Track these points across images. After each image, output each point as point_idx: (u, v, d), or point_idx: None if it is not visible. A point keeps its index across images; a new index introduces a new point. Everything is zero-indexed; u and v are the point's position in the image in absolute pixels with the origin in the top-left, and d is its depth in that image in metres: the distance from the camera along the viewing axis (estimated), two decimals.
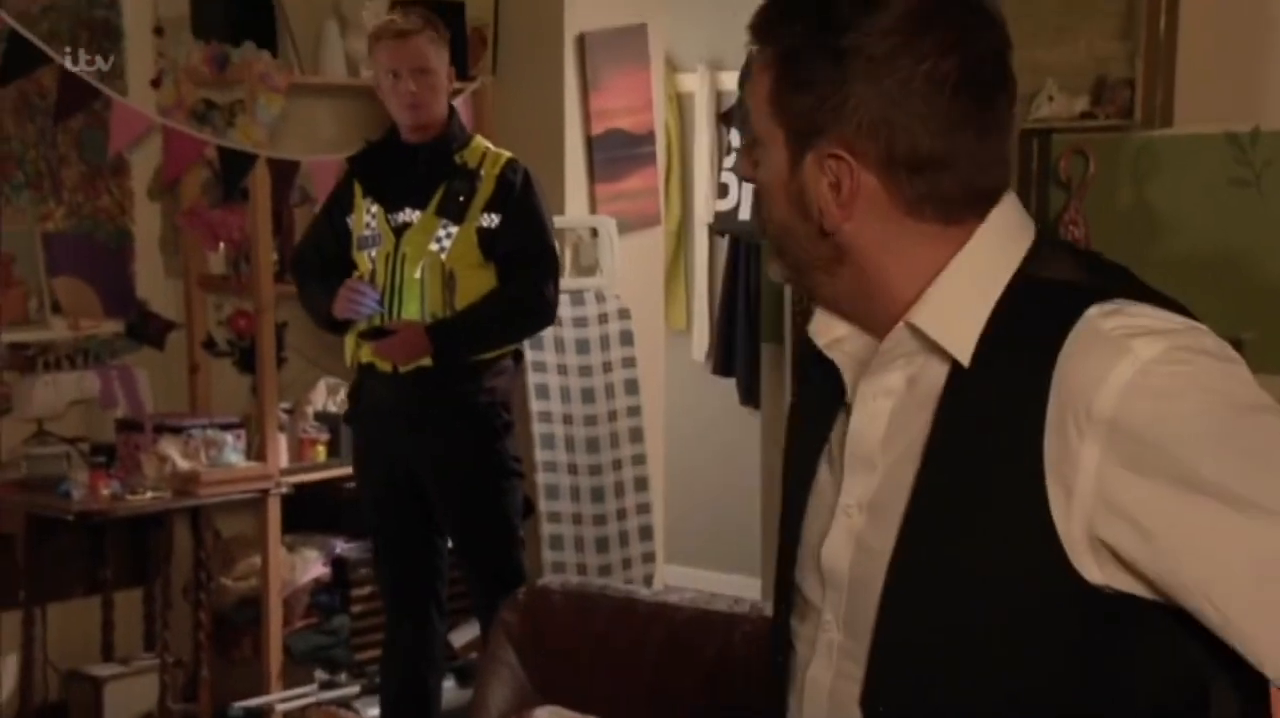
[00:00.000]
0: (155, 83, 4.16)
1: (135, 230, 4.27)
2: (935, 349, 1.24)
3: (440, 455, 3.55)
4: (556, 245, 3.66)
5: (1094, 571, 1.18)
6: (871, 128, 1.20)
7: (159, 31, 4.20)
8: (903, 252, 1.24)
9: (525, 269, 3.54)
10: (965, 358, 1.22)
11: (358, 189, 3.61)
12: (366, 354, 3.56)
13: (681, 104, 5.80)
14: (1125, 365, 1.15)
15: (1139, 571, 1.17)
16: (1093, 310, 1.19)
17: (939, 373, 1.24)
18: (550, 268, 3.58)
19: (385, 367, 3.53)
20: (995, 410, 1.20)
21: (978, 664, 1.21)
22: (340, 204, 3.64)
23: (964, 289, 1.24)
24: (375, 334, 3.48)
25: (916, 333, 1.25)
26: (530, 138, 4.59)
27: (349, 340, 3.63)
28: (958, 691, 1.22)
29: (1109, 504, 1.16)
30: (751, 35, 1.26)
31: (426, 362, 3.48)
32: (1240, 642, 1.16)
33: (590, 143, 4.71)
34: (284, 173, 4.16)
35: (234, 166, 4.09)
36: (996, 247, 1.25)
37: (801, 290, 1.37)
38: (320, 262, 3.65)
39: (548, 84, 4.66)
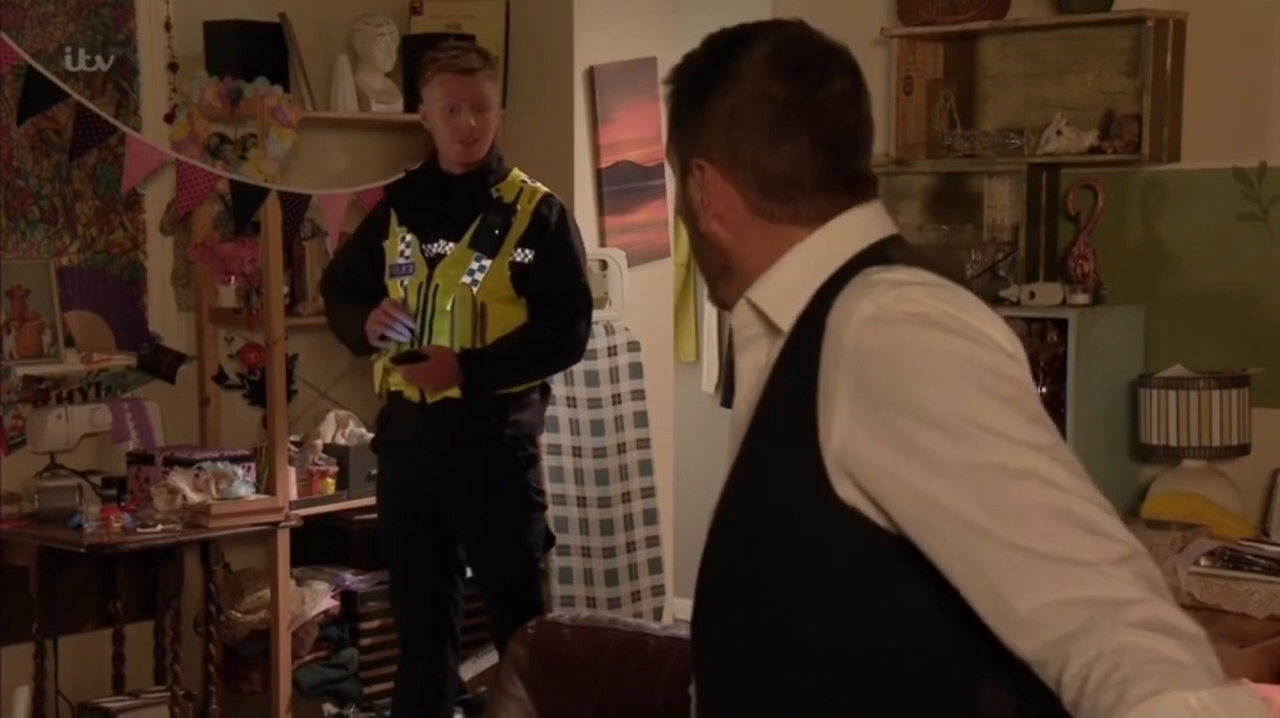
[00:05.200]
0: (169, 118, 4.19)
1: (148, 264, 4.29)
2: (776, 327, 1.42)
3: (464, 488, 3.54)
4: (589, 282, 3.66)
5: (849, 492, 1.32)
6: (720, 142, 1.42)
7: (173, 67, 4.24)
8: (763, 250, 1.44)
9: (558, 306, 3.53)
10: (784, 325, 1.41)
11: (394, 216, 3.63)
12: (396, 382, 3.57)
13: None
14: (867, 303, 1.32)
15: (871, 494, 1.31)
16: (870, 269, 1.37)
17: (779, 347, 1.42)
18: (583, 305, 3.58)
19: (413, 396, 3.53)
20: (795, 362, 1.38)
21: (762, 589, 1.38)
22: (377, 229, 3.66)
23: (794, 271, 1.42)
24: (408, 359, 3.48)
25: (756, 309, 1.44)
26: (540, 170, 4.59)
27: (378, 368, 3.63)
28: (751, 616, 1.39)
29: (855, 426, 1.30)
30: (665, 80, 1.50)
31: (453, 393, 3.49)
32: (946, 574, 1.27)
33: (600, 175, 4.74)
34: (295, 207, 4.19)
35: (246, 200, 4.12)
36: (835, 239, 1.42)
37: (721, 306, 1.55)
38: (351, 282, 3.66)
39: (557, 117, 4.69)
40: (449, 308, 3.50)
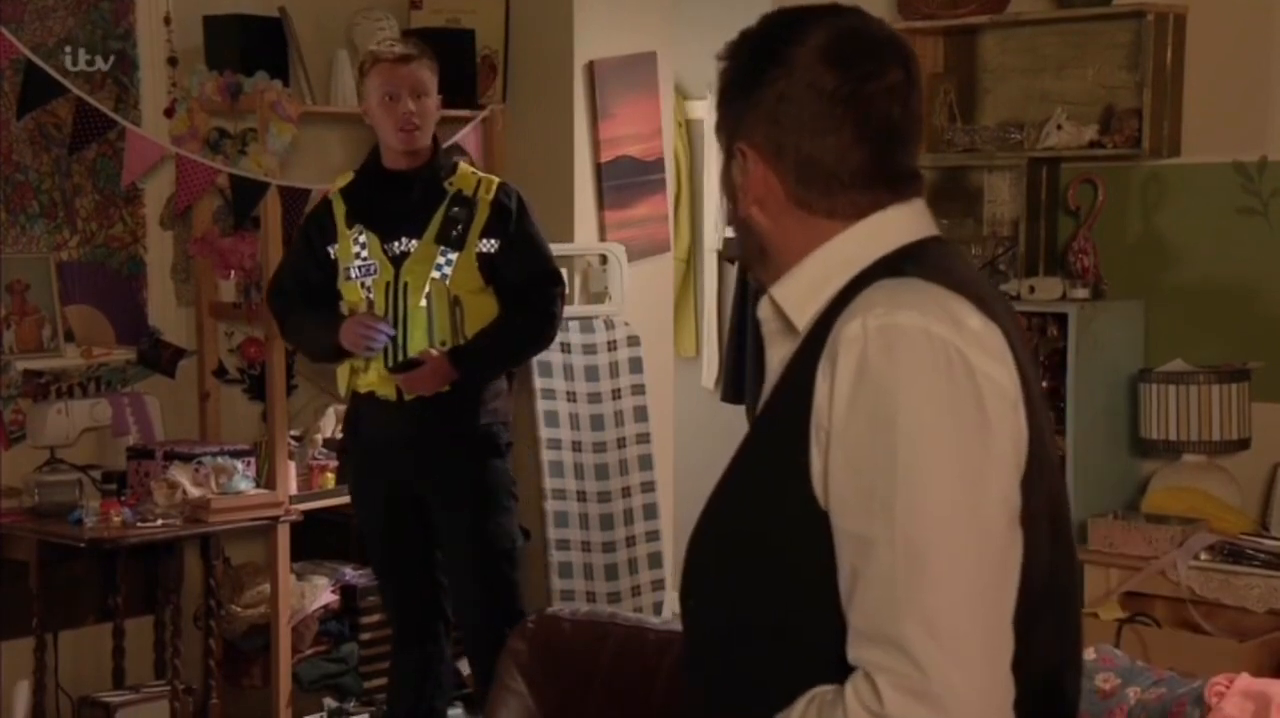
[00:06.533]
0: (169, 112, 4.19)
1: (148, 258, 4.29)
2: (793, 326, 1.43)
3: (441, 478, 3.57)
4: (557, 265, 3.69)
5: (824, 498, 1.34)
6: (766, 127, 1.41)
7: (173, 62, 4.24)
8: (797, 241, 1.43)
9: (535, 294, 3.59)
10: (800, 324, 1.41)
11: (340, 218, 3.61)
12: (364, 383, 3.58)
13: (690, 131, 5.82)
14: (857, 323, 1.33)
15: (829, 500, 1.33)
16: (883, 280, 1.36)
17: (795, 347, 1.43)
18: (558, 289, 3.63)
19: (388, 394, 3.54)
20: (802, 365, 1.38)
21: (738, 564, 1.40)
22: (321, 233, 3.63)
23: (815, 271, 1.42)
24: (406, 367, 3.49)
25: (776, 306, 1.45)
26: (540, 165, 4.61)
27: (342, 370, 3.64)
28: (726, 589, 1.42)
29: (830, 432, 1.32)
30: (719, 55, 1.48)
31: (444, 387, 3.50)
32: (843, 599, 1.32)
33: (599, 170, 4.74)
34: (295, 201, 4.18)
35: (245, 195, 4.12)
36: (861, 242, 1.42)
37: (757, 283, 1.57)
38: (304, 292, 3.65)
39: (557, 111, 4.69)
40: (423, 304, 3.52)
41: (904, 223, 1.43)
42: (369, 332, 3.49)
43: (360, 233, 3.57)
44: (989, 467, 1.31)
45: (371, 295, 3.55)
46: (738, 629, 1.41)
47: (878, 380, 1.30)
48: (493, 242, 3.55)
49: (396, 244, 3.55)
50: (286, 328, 3.74)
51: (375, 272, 3.55)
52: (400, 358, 3.51)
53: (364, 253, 3.57)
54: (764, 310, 1.47)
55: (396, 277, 3.53)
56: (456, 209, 3.55)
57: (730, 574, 1.41)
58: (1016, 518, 1.33)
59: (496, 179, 3.65)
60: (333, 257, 3.60)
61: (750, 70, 1.43)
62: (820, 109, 1.39)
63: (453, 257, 3.53)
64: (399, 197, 3.57)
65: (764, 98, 1.41)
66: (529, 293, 3.58)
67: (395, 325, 3.53)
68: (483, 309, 3.56)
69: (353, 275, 3.57)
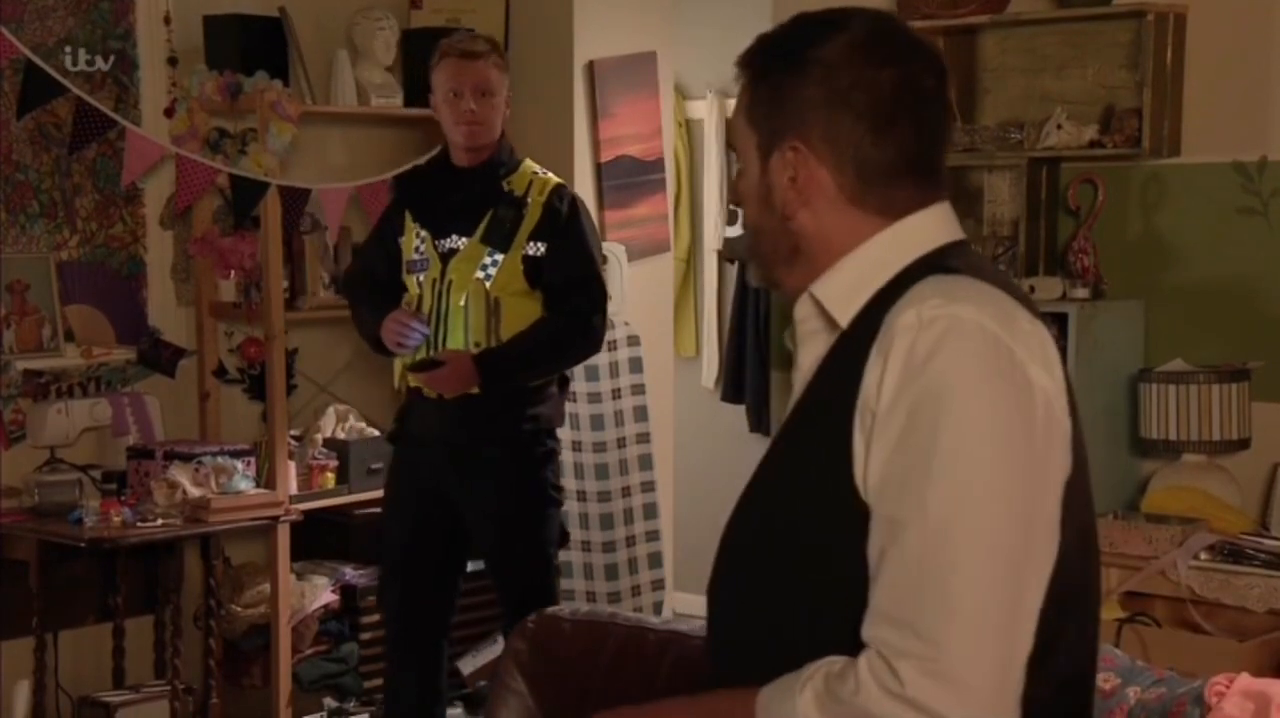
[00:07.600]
0: (169, 112, 4.19)
1: (147, 258, 4.29)
2: (835, 323, 1.44)
3: (481, 483, 3.51)
4: (603, 272, 3.62)
5: (865, 484, 1.34)
6: (822, 124, 1.42)
7: (173, 61, 4.24)
8: (840, 238, 1.44)
9: (573, 298, 3.50)
10: (844, 321, 1.42)
11: (408, 212, 3.61)
12: (412, 379, 3.56)
13: (690, 131, 5.82)
14: (912, 313, 1.35)
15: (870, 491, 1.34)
16: (934, 277, 1.39)
17: (833, 341, 1.44)
18: (597, 296, 3.54)
19: (431, 393, 3.53)
20: (846, 358, 1.39)
21: (775, 561, 1.41)
22: (392, 225, 3.63)
23: (858, 268, 1.43)
24: (424, 366, 3.47)
25: (818, 304, 1.45)
26: (539, 164, 4.60)
27: (398, 363, 3.62)
28: (758, 582, 1.43)
29: (876, 415, 1.34)
30: (738, 67, 1.49)
31: (473, 389, 3.47)
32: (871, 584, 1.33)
33: (599, 169, 4.74)
34: (295, 201, 4.18)
35: (245, 194, 4.12)
36: (905, 238, 1.44)
37: (772, 287, 1.61)
38: (371, 283, 3.65)
39: (557, 111, 4.69)
40: (462, 303, 3.48)
41: (940, 224, 1.46)
42: (404, 329, 3.48)
43: (420, 228, 3.56)
44: (1029, 461, 1.33)
45: (422, 291, 3.53)
46: (773, 625, 1.41)
47: (928, 367, 1.32)
48: (540, 244, 3.48)
49: (447, 241, 3.52)
50: (353, 317, 3.73)
51: (427, 267, 3.53)
52: (430, 356, 3.49)
53: (422, 247, 3.55)
54: (803, 308, 1.47)
55: (443, 274, 3.51)
56: (505, 210, 3.51)
57: (767, 570, 1.42)
58: (1054, 517, 1.35)
59: (554, 181, 3.58)
60: (401, 248, 3.59)
61: (791, 69, 1.43)
62: (881, 106, 1.40)
63: (499, 257, 3.48)
64: (454, 194, 3.54)
65: (816, 95, 1.41)
66: (567, 298, 3.50)
67: (437, 323, 3.50)
68: (524, 313, 3.49)
69: (410, 269, 3.56)
